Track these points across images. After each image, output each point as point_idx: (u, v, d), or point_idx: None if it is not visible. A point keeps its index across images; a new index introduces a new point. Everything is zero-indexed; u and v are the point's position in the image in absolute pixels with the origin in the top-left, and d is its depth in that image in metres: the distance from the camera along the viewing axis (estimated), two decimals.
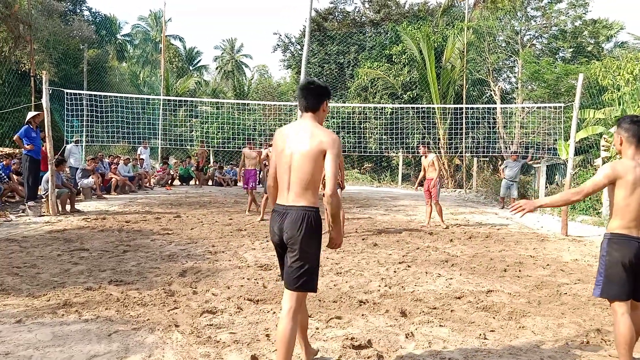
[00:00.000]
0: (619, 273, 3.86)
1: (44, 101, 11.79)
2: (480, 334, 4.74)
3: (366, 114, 26.98)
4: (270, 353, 4.18)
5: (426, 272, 7.24)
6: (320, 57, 32.43)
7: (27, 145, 11.88)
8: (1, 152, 17.69)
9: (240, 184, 13.86)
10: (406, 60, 27.03)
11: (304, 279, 3.57)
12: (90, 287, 5.88)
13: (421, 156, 12.47)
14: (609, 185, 3.93)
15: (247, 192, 13.73)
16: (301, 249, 3.55)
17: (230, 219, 11.94)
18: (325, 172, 3.56)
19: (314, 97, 3.74)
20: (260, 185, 13.44)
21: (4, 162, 14.34)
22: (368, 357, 4.15)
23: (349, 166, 29.10)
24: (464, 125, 22.71)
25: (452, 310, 5.47)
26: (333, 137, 3.61)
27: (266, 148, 13.28)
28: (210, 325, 4.79)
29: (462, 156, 24.24)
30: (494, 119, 24.16)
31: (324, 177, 3.58)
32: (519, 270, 7.56)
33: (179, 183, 22.64)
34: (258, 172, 13.97)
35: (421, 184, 12.42)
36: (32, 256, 7.45)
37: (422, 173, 12.27)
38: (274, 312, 5.18)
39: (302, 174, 3.57)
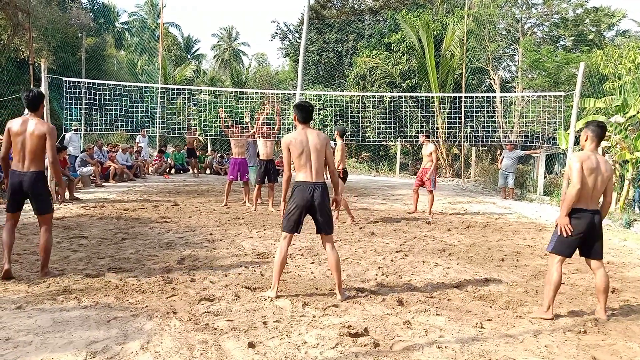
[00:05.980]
0: (570, 237, 4.99)
1: (43, 89, 11.73)
2: (477, 323, 4.76)
3: (364, 102, 26.85)
4: (268, 340, 4.21)
5: (423, 261, 7.26)
6: (318, 45, 32.29)
7: None
8: (0, 139, 17.56)
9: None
10: (405, 49, 26.90)
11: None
12: (89, 274, 5.90)
13: (421, 145, 12.51)
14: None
15: (231, 183, 12.63)
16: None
17: (228, 208, 11.95)
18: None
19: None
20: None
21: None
22: (365, 345, 4.17)
23: (347, 155, 29.03)
24: (462, 114, 22.63)
25: (449, 299, 5.50)
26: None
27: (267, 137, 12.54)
28: (207, 312, 4.82)
29: (461, 145, 24.21)
30: (493, 107, 24.10)
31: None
32: (517, 260, 7.59)
33: (174, 172, 22.51)
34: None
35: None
36: (31, 243, 7.47)
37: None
38: (271, 300, 5.20)
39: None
